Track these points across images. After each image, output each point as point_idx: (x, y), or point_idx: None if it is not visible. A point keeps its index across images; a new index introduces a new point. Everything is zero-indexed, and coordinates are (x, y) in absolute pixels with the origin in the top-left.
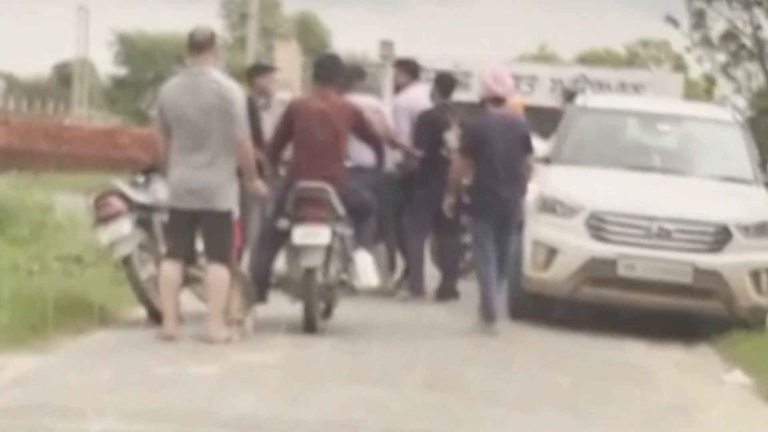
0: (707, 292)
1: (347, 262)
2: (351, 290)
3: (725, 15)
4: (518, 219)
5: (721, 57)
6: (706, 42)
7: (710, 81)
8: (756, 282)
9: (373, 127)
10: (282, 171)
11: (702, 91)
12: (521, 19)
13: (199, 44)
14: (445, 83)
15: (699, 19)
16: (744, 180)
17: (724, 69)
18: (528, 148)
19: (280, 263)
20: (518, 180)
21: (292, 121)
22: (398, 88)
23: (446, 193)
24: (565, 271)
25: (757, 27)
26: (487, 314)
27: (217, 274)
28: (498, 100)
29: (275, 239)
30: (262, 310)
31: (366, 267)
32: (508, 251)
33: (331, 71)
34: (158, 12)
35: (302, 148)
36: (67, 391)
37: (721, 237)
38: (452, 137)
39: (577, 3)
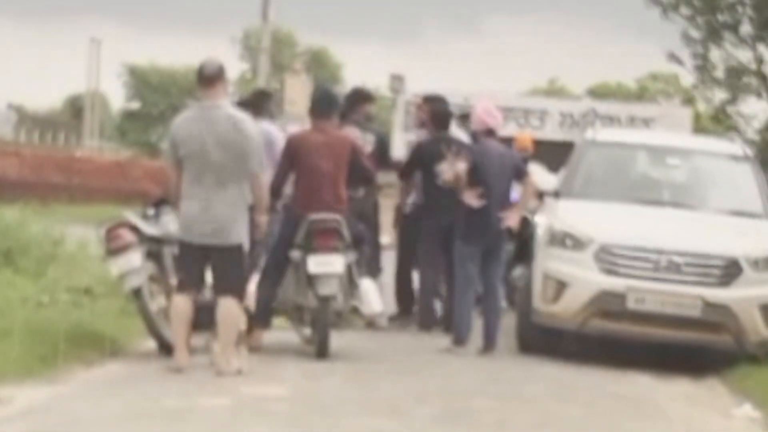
0: (717, 325)
1: (354, 289)
2: (360, 317)
3: (730, 52)
4: (505, 247)
5: (723, 94)
6: (711, 79)
7: (718, 115)
8: (765, 316)
9: (366, 159)
10: (279, 204)
11: (711, 120)
12: (532, 53)
13: (210, 77)
14: (440, 116)
15: (701, 61)
16: (754, 214)
17: (727, 104)
18: (520, 175)
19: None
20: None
21: (293, 155)
22: (423, 125)
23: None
24: (574, 304)
25: (760, 61)
26: (456, 338)
27: (227, 307)
28: (490, 132)
29: (281, 269)
30: (268, 339)
31: (371, 293)
32: (497, 280)
33: (327, 105)
34: (171, 44)
35: (306, 181)
36: (78, 422)
37: (730, 271)
38: (446, 168)
39: (588, 37)
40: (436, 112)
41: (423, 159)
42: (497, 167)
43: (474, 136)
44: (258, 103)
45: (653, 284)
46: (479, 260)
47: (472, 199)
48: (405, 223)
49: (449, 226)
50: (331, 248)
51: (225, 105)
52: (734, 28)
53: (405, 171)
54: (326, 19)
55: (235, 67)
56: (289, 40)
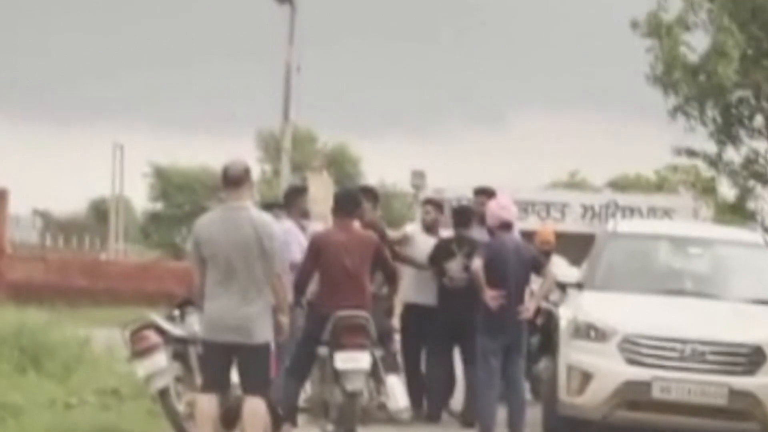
0: (742, 413)
1: (380, 385)
2: (385, 412)
3: (746, 143)
4: (525, 340)
5: (740, 185)
6: (727, 172)
7: (736, 205)
8: None
9: (390, 259)
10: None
11: (729, 210)
12: (553, 147)
13: (235, 179)
14: (461, 215)
15: (716, 155)
16: None
17: (745, 194)
18: (539, 268)
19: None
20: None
21: (317, 253)
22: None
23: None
24: (599, 395)
25: None
26: None
27: (254, 407)
28: (507, 226)
29: (307, 366)
30: None
31: (397, 389)
32: (520, 373)
33: (350, 205)
34: (192, 146)
35: (330, 279)
36: None
37: (755, 358)
38: (455, 267)
39: (608, 130)
40: (456, 212)
41: (436, 257)
42: (515, 261)
43: (490, 231)
44: (290, 200)
45: (678, 373)
46: (501, 354)
47: (491, 300)
48: (408, 318)
49: (452, 321)
50: (358, 345)
51: (249, 206)
52: (748, 120)
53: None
54: (347, 115)
55: (256, 167)
56: (309, 137)
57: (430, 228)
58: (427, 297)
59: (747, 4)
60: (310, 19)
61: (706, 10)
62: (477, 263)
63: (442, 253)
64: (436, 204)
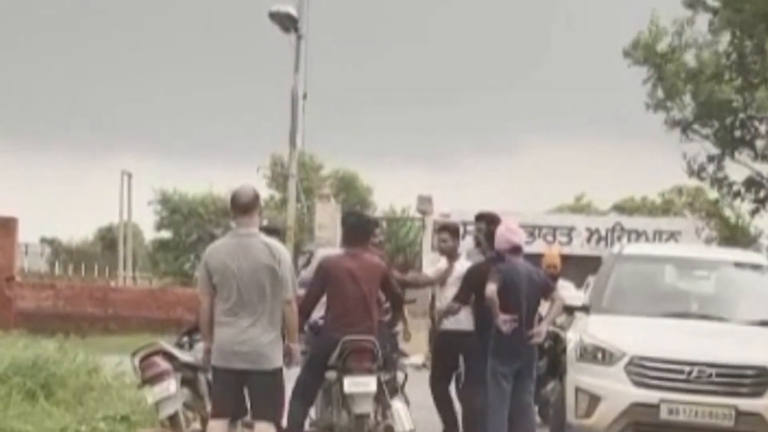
0: None
1: (386, 408)
2: None
3: (749, 165)
4: (536, 364)
5: (744, 207)
6: (731, 193)
7: (740, 226)
8: None
9: (396, 286)
10: (306, 327)
11: (733, 231)
12: (559, 171)
13: (245, 205)
14: (490, 239)
15: (720, 176)
16: None
17: (750, 216)
18: (547, 292)
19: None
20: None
21: (325, 278)
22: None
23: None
24: (608, 417)
25: None
26: None
27: None
28: (517, 250)
29: (313, 390)
30: None
31: (402, 413)
32: (530, 397)
33: (360, 233)
34: (199, 173)
35: (338, 305)
36: None
37: (761, 380)
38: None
39: (614, 153)
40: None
41: (473, 281)
42: (526, 285)
43: (499, 255)
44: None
45: (685, 395)
46: (512, 378)
47: (504, 324)
48: (439, 340)
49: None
50: (366, 369)
51: (259, 233)
52: (750, 143)
53: (460, 297)
54: (356, 143)
55: (263, 194)
56: (315, 164)
57: (448, 257)
58: (459, 323)
59: (739, 19)
60: (317, 46)
61: (708, 27)
62: (491, 288)
63: (481, 277)
64: (452, 231)
